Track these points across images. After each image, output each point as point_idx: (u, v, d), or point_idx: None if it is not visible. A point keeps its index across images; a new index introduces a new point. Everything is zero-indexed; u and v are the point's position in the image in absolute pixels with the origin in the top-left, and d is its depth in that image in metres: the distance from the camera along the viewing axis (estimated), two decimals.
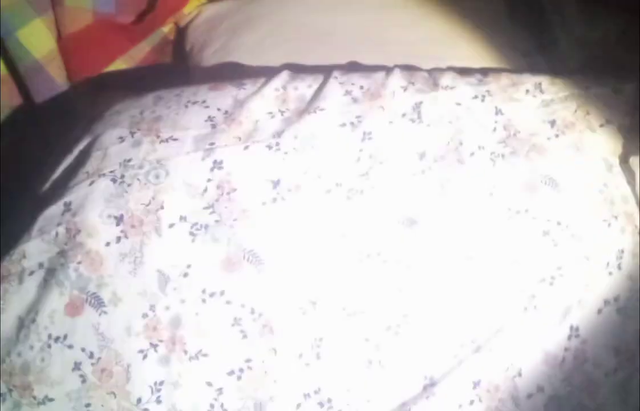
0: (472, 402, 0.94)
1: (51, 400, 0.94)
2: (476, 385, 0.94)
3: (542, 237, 0.97)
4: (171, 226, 0.98)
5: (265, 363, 0.95)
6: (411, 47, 1.35)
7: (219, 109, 1.07)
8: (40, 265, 0.97)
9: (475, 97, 1.09)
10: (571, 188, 1.00)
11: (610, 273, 0.96)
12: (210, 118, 1.06)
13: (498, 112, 1.07)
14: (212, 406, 0.95)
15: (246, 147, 1.02)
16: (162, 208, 0.98)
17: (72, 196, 0.99)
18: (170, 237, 0.97)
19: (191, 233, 0.98)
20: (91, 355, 0.94)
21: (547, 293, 0.95)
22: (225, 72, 1.34)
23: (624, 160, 1.01)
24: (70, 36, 1.46)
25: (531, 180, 1.01)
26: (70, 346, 0.94)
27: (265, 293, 0.96)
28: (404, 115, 1.07)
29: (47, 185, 1.05)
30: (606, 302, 0.96)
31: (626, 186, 1.00)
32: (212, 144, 1.03)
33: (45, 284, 0.96)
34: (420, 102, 1.08)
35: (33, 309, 0.95)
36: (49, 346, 0.94)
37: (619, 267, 0.96)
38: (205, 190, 1.00)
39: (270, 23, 1.42)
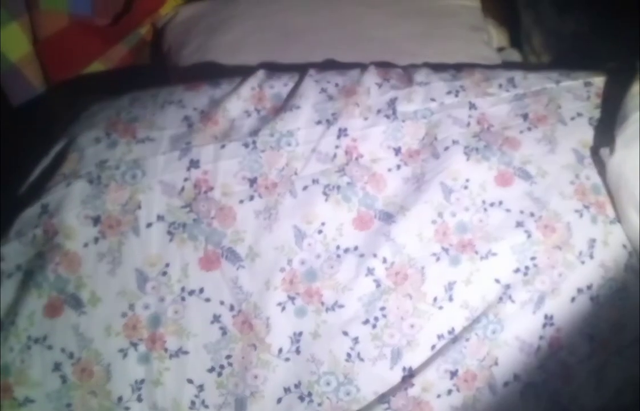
0: (450, 392, 0.95)
1: (32, 401, 0.94)
2: (453, 375, 0.95)
3: (515, 228, 0.99)
4: (149, 225, 0.98)
5: (246, 359, 0.96)
6: (387, 44, 1.36)
7: (195, 109, 1.08)
8: (18, 267, 0.97)
9: (449, 92, 1.10)
10: (544, 180, 1.02)
11: (582, 262, 0.98)
12: (186, 118, 1.07)
13: (472, 106, 1.09)
14: (193, 403, 0.96)
15: (223, 146, 1.03)
16: (139, 207, 0.99)
17: (49, 198, 1.00)
18: (148, 236, 0.98)
19: (169, 232, 0.98)
20: (71, 355, 0.95)
21: (522, 283, 0.97)
22: (203, 72, 1.34)
23: (594, 151, 1.03)
24: (47, 39, 1.46)
25: (505, 172, 1.02)
26: (50, 347, 0.95)
27: (244, 289, 0.97)
28: (379, 111, 1.08)
29: (24, 187, 1.05)
30: (579, 290, 0.97)
31: (597, 176, 1.02)
32: (188, 143, 1.03)
33: (23, 286, 0.96)
34: (395, 99, 1.09)
35: (12, 312, 0.95)
36: (29, 347, 0.94)
37: (591, 256, 0.98)
38: (182, 189, 1.00)
39: (246, 23, 1.43)
